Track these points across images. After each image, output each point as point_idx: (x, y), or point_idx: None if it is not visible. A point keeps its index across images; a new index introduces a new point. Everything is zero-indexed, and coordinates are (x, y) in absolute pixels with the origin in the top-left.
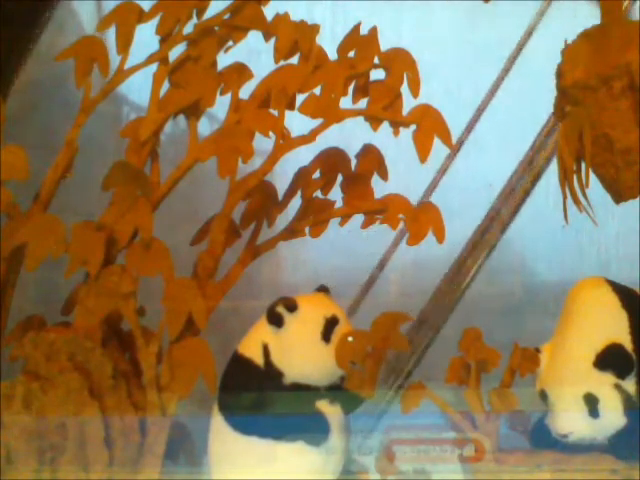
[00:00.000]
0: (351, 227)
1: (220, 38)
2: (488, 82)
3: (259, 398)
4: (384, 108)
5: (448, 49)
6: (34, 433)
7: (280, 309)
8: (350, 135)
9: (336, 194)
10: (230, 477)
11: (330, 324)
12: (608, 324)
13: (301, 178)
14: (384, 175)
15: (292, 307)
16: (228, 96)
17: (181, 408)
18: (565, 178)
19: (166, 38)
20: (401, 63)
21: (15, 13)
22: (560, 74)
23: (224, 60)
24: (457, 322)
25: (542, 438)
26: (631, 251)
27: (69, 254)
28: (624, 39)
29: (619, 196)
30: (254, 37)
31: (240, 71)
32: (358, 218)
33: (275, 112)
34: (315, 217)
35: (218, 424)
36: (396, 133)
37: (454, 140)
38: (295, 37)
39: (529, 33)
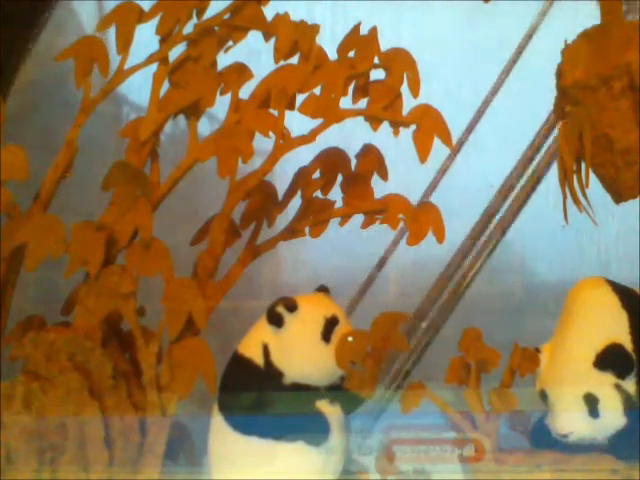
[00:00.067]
0: (351, 227)
1: (220, 38)
2: (488, 82)
3: (259, 398)
4: (384, 108)
5: (448, 49)
6: (34, 433)
7: (280, 309)
8: (350, 135)
9: (336, 194)
10: (230, 477)
11: (330, 324)
12: (608, 324)
13: (301, 178)
14: (384, 175)
15: (292, 307)
16: (228, 96)
17: (181, 408)
18: (565, 178)
19: (166, 38)
20: (401, 63)
21: (15, 13)
22: (560, 74)
23: (224, 60)
24: (457, 322)
25: (542, 438)
26: (631, 251)
27: (69, 254)
28: (624, 39)
29: (619, 196)
30: (254, 37)
31: (240, 71)
32: (358, 218)
33: (275, 112)
34: (315, 217)
35: (218, 424)
36: (396, 133)
37: (454, 140)
38: (295, 37)
39: (530, 34)
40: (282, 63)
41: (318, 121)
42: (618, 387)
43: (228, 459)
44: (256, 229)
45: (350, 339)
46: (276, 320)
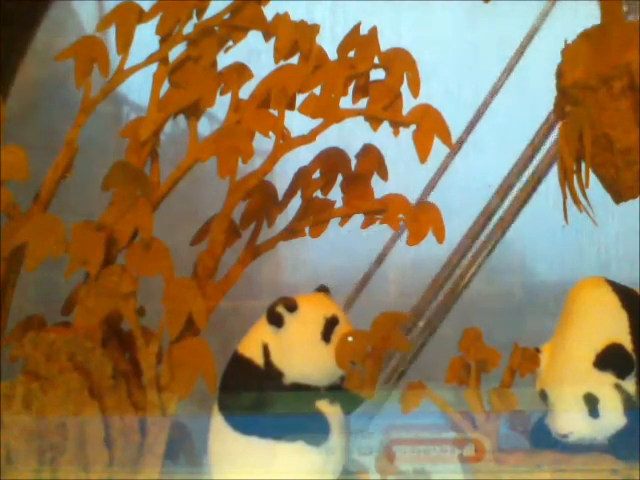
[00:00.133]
0: (351, 227)
1: (220, 38)
2: (488, 82)
3: (259, 398)
4: (384, 108)
5: (448, 49)
6: (34, 433)
7: (280, 309)
8: (350, 135)
9: (336, 194)
10: (230, 477)
11: (330, 324)
12: (608, 324)
13: (301, 178)
14: (384, 175)
15: (292, 307)
16: (228, 96)
17: (181, 408)
18: (565, 178)
19: (166, 38)
20: (401, 63)
21: (15, 13)
22: (560, 74)
23: (224, 60)
24: (457, 322)
25: (542, 438)
26: (631, 251)
27: (69, 254)
28: (624, 39)
29: (619, 196)
30: (254, 37)
31: (240, 71)
32: (358, 218)
33: (275, 112)
34: (315, 217)
35: (218, 424)
36: (396, 133)
37: (454, 140)
38: (295, 37)
39: (532, 34)
40: (282, 63)
41: (318, 121)
42: (618, 387)
43: (228, 459)
44: (256, 229)
45: (350, 339)
46: (276, 320)
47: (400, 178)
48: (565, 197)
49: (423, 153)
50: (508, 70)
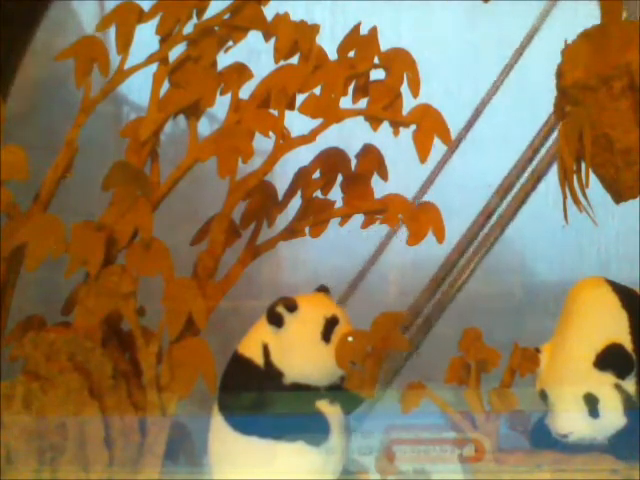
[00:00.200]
0: (351, 227)
1: (220, 38)
2: (488, 82)
3: (259, 398)
4: (384, 108)
5: (448, 49)
6: (34, 433)
7: (280, 309)
8: (350, 135)
9: (336, 194)
10: (230, 477)
11: (330, 324)
12: (608, 324)
13: (301, 178)
14: (384, 175)
15: (292, 307)
16: (228, 96)
17: (181, 408)
18: (565, 178)
19: (166, 38)
20: (401, 63)
21: (15, 13)
22: (560, 74)
23: (224, 60)
24: (457, 322)
25: (542, 438)
26: (631, 251)
27: (69, 254)
28: (624, 39)
29: (619, 196)
30: (254, 37)
31: (240, 71)
32: (358, 218)
33: (275, 112)
34: (315, 217)
35: (218, 424)
36: (396, 133)
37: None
38: (295, 37)
39: (532, 34)
40: (282, 63)
41: (318, 121)
42: (618, 387)
43: (228, 459)
44: (256, 229)
45: (350, 339)
46: (276, 320)
47: (400, 178)
48: (565, 197)
49: (423, 153)
50: (508, 70)
